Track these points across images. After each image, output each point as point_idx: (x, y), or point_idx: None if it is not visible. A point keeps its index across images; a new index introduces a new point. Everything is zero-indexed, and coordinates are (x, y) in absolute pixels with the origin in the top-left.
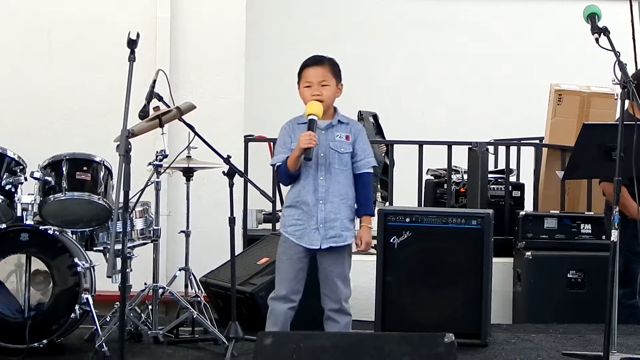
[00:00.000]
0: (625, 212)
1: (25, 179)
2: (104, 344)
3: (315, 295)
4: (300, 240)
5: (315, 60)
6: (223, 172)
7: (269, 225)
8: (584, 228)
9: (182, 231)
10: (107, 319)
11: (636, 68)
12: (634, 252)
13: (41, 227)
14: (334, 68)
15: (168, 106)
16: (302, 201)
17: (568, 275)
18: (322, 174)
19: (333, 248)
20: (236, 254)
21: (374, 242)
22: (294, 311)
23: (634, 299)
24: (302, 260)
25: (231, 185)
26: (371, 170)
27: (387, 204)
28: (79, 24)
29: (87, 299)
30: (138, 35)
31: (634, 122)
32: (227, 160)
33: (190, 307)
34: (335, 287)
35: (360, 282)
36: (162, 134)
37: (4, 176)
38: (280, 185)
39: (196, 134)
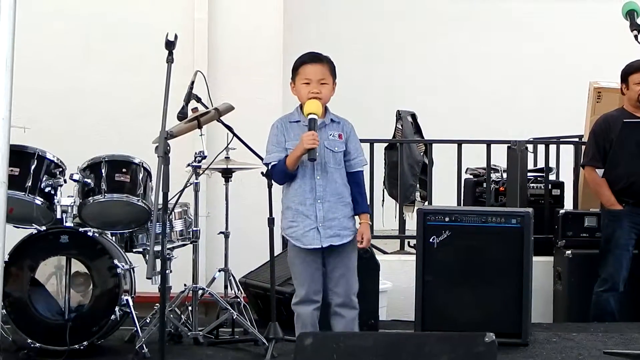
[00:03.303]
0: (601, 201)
1: (65, 181)
2: (144, 345)
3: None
4: (298, 241)
5: (315, 58)
6: (262, 173)
7: None
8: None
9: (221, 232)
10: (147, 321)
11: None
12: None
13: (81, 229)
14: (332, 67)
15: (206, 107)
16: (298, 201)
17: None
18: (319, 174)
19: (338, 245)
20: (275, 254)
21: (413, 241)
22: (318, 311)
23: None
24: (315, 260)
25: (270, 185)
26: (363, 169)
27: (426, 203)
28: (117, 26)
29: (127, 300)
30: (176, 36)
31: None
32: None
33: (230, 308)
34: (343, 281)
35: (400, 282)
36: (201, 135)
37: (44, 178)
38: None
39: (235, 135)
